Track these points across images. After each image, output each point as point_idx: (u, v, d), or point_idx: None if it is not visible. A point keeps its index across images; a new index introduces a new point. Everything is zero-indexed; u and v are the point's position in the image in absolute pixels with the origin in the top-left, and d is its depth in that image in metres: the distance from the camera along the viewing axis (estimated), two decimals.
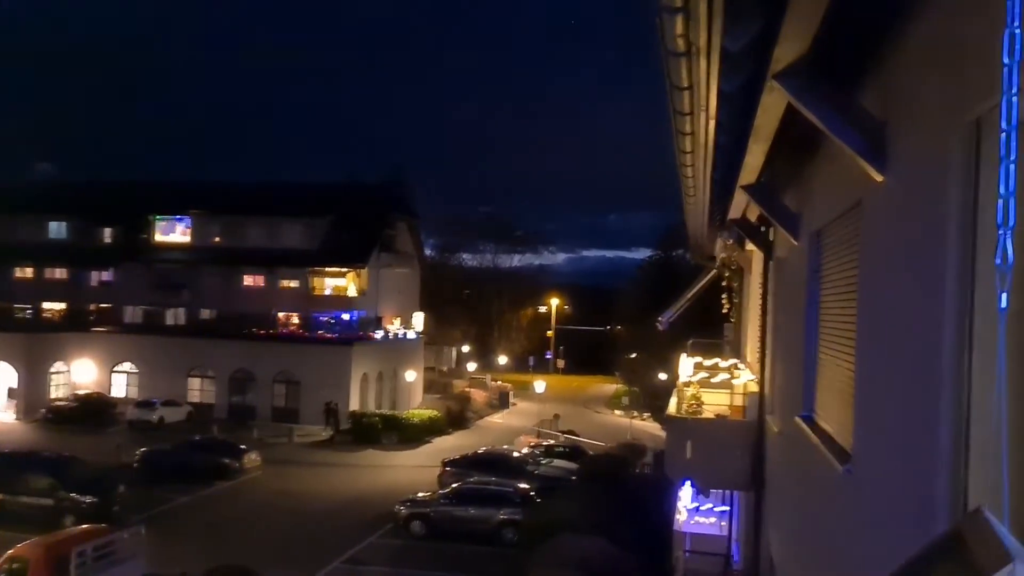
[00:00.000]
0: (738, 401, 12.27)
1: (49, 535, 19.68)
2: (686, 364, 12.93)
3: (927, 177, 3.84)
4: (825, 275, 7.28)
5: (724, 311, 19.07)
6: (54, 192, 64.75)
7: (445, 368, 75.42)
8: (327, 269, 56.51)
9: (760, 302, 11.54)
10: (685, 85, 5.94)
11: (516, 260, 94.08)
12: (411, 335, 60.11)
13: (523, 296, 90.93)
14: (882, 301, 4.81)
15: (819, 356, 7.36)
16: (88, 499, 26.48)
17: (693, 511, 16.22)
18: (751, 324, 14.57)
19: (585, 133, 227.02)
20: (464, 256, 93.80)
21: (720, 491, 15.80)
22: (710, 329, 21.40)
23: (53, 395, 48.73)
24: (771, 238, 10.67)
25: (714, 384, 12.66)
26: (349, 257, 55.47)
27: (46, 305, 59.92)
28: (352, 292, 56.11)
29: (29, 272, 60.40)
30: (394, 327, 58.18)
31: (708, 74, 5.58)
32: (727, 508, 16.02)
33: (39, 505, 26.22)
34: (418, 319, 62.31)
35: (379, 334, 55.26)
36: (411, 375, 57.37)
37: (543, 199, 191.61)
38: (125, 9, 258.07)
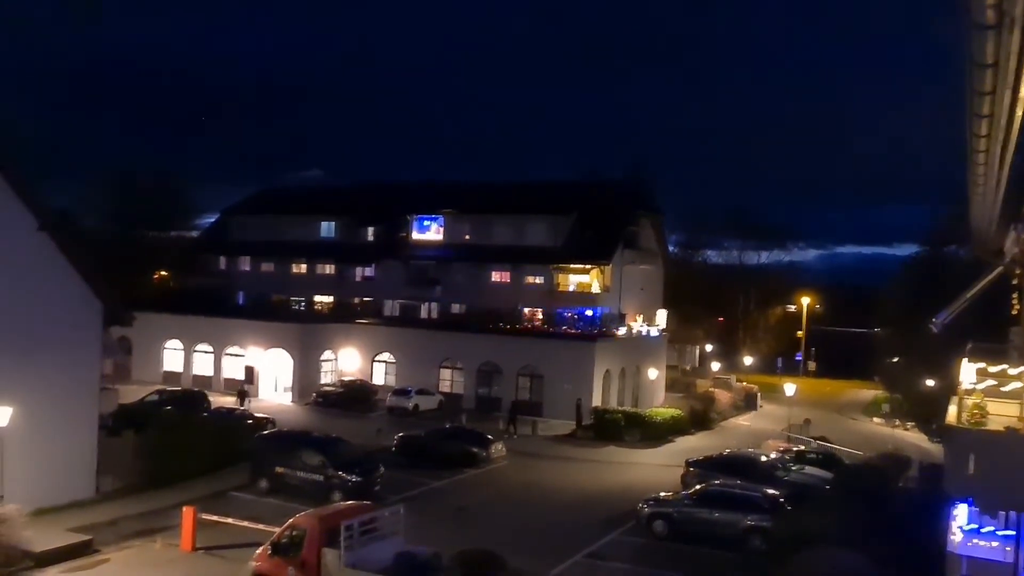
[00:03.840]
0: None
1: (322, 508, 21.48)
2: (967, 370, 11.70)
3: None
4: None
5: (1013, 312, 17.16)
6: (323, 195, 71.21)
7: (688, 367, 74.17)
8: (571, 266, 57.42)
9: None
10: (990, 62, 5.36)
11: (763, 257, 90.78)
12: (654, 333, 59.76)
13: (771, 294, 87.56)
14: None
15: None
16: (353, 478, 28.59)
17: (971, 533, 14.70)
18: None
19: (839, 121, 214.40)
20: (709, 253, 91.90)
21: (1005, 512, 14.21)
22: (993, 332, 19.30)
23: (322, 380, 53.20)
24: None
25: (1003, 393, 11.38)
26: (593, 254, 56.15)
27: (316, 298, 65.85)
28: (595, 289, 56.62)
29: (303, 268, 66.89)
30: (637, 324, 58.05)
31: (1021, 48, 4.99)
32: (1013, 532, 14.39)
33: (311, 480, 28.79)
34: (661, 316, 61.83)
35: (622, 331, 55.32)
36: (653, 373, 56.99)
37: (792, 193, 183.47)
38: (389, 34, 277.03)
